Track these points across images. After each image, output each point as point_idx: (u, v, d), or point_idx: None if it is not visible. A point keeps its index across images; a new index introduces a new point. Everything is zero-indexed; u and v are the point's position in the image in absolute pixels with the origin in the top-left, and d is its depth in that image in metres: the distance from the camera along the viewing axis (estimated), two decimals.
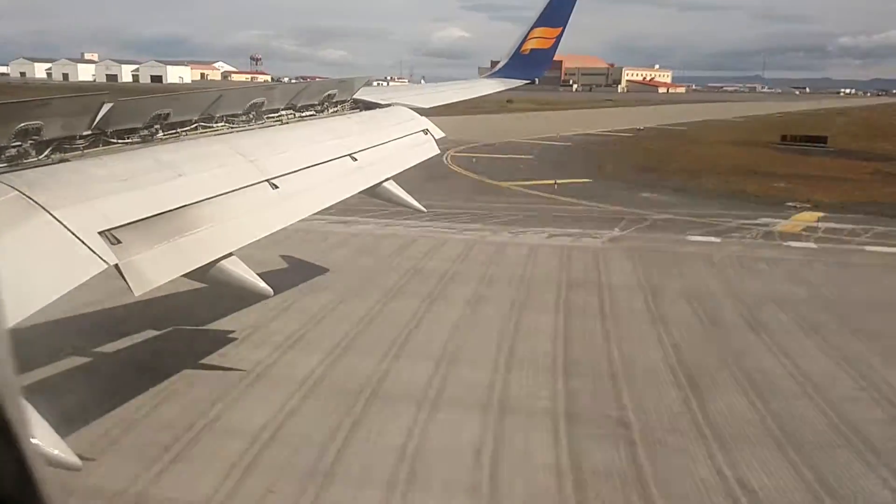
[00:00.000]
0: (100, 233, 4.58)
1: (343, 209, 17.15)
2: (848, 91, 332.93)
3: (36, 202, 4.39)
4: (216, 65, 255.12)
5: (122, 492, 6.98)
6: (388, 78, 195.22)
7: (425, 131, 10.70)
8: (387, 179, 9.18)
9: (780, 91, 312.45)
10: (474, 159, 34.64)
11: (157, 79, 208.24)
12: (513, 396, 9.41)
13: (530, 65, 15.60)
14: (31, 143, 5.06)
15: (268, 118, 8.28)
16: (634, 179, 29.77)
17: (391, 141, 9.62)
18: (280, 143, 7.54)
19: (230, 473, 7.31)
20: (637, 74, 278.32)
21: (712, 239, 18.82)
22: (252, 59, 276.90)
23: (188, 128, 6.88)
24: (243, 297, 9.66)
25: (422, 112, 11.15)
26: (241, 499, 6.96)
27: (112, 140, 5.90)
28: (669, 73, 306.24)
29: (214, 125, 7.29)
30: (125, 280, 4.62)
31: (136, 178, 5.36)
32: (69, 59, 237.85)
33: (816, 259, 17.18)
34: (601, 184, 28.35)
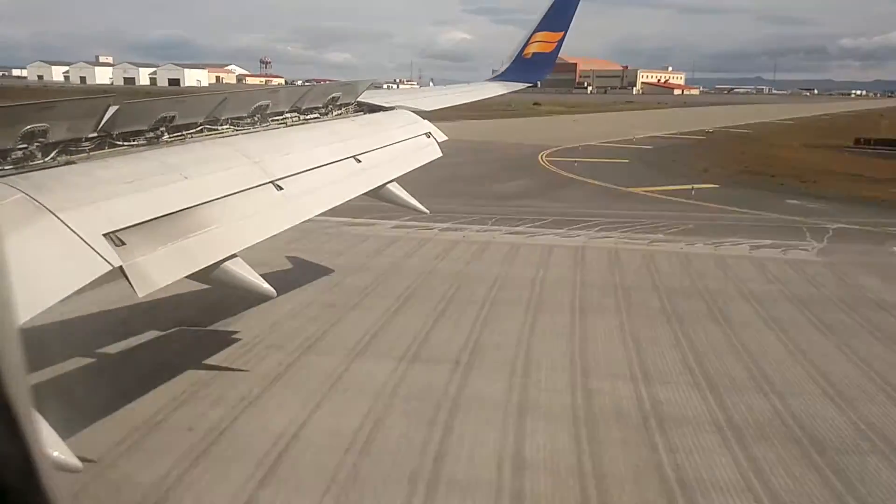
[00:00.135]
0: (104, 235, 4.60)
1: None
2: (858, 93, 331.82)
3: (41, 204, 4.41)
4: (229, 67, 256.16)
5: None
6: (398, 81, 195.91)
7: (428, 134, 10.74)
8: (390, 181, 9.21)
9: (789, 93, 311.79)
10: (576, 164, 33.42)
11: (174, 82, 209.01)
12: None
13: (533, 68, 15.65)
14: (37, 146, 5.09)
15: (272, 121, 8.32)
16: (759, 185, 28.52)
17: (394, 143, 9.66)
18: (284, 145, 7.57)
19: None
20: (652, 77, 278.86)
21: None
22: (262, 62, 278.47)
23: (193, 130, 6.91)
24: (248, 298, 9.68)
25: (424, 115, 11.18)
26: None
27: (118, 142, 5.93)
28: (682, 75, 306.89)
29: (219, 128, 7.32)
30: (129, 282, 4.64)
31: (141, 180, 5.39)
32: (86, 63, 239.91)
33: None
34: (733, 190, 26.94)
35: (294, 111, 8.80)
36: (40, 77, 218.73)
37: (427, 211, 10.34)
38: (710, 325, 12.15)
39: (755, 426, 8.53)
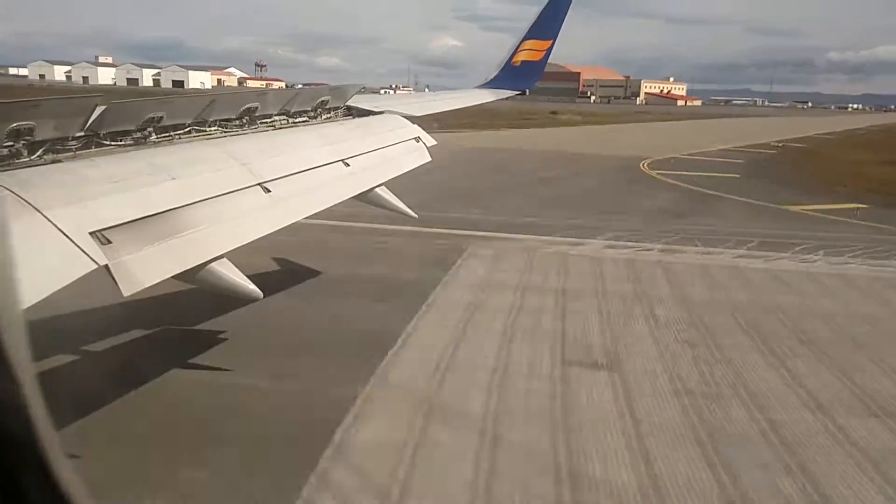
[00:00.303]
0: (91, 233, 4.59)
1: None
2: (855, 106, 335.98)
3: (27, 202, 4.40)
4: (229, 70, 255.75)
5: None
6: (395, 86, 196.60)
7: (417, 139, 10.79)
8: (379, 185, 9.24)
9: (787, 105, 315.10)
10: (695, 177, 32.16)
11: (178, 84, 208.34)
12: None
13: (521, 76, 15.78)
14: (23, 144, 5.08)
15: (261, 123, 8.33)
16: None
17: (384, 147, 9.69)
18: (273, 147, 7.58)
19: None
20: (654, 87, 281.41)
21: None
22: (257, 65, 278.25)
23: (181, 131, 6.91)
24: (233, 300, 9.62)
25: (413, 120, 11.24)
26: None
27: (105, 142, 5.92)
28: (684, 86, 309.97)
29: (208, 129, 7.32)
30: (114, 280, 4.63)
31: (129, 179, 5.38)
32: (89, 63, 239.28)
33: None
34: (889, 211, 24.59)
35: (283, 114, 8.81)
36: (42, 76, 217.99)
37: (415, 216, 10.35)
38: None
39: None
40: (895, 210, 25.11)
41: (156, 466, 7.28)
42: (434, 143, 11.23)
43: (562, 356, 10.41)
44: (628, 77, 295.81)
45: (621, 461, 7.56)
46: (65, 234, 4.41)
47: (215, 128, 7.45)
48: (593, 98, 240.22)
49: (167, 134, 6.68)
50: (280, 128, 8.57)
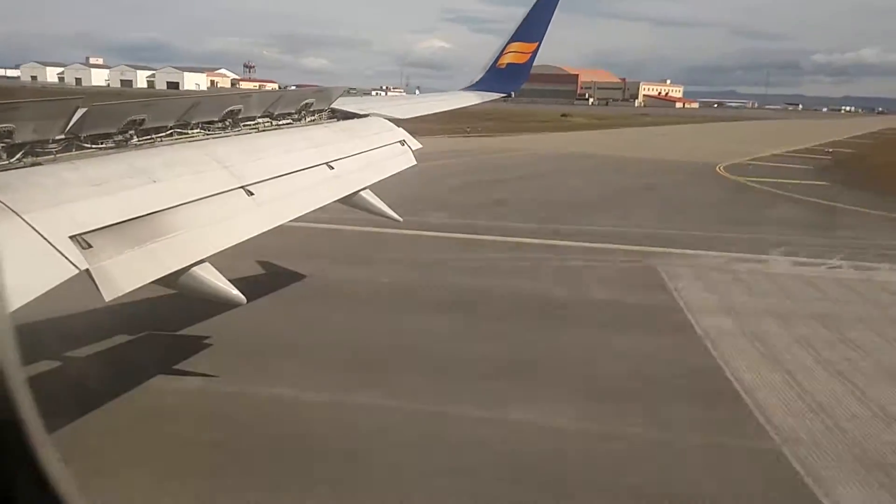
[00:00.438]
0: (71, 237, 4.55)
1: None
2: (848, 109, 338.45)
3: (6, 205, 4.35)
4: (220, 71, 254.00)
5: None
6: (385, 88, 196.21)
7: (402, 142, 10.79)
8: (364, 188, 9.23)
9: (779, 107, 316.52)
10: (787, 185, 31.55)
11: (173, 85, 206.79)
12: None
13: (507, 79, 15.81)
14: (2, 147, 5.02)
15: (244, 126, 8.29)
16: None
17: (368, 151, 9.68)
18: (256, 150, 7.55)
19: None
20: (653, 89, 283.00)
21: None
22: (246, 66, 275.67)
23: (163, 134, 6.86)
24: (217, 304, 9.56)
25: (398, 123, 11.23)
26: None
27: (86, 145, 5.87)
28: (681, 89, 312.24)
29: (190, 132, 7.28)
30: (95, 285, 4.59)
31: (110, 183, 5.34)
32: (82, 64, 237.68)
33: None
34: None
35: (266, 116, 8.78)
36: (34, 78, 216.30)
37: (400, 219, 10.35)
38: None
39: None
40: None
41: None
42: (420, 146, 11.22)
43: None
44: (625, 79, 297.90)
45: None
46: (45, 238, 4.36)
47: (198, 130, 7.41)
48: (591, 100, 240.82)
49: (149, 136, 6.63)
50: (263, 130, 8.54)
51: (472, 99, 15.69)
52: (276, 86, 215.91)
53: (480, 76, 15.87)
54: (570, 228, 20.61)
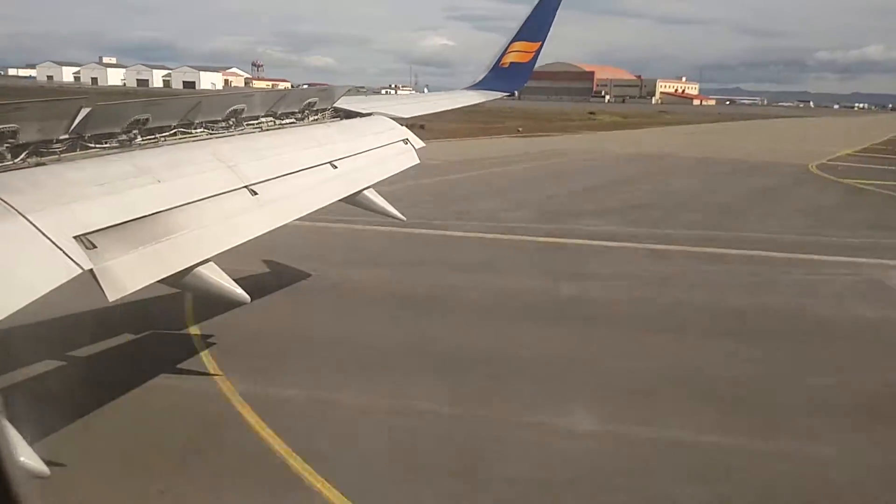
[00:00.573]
0: (75, 237, 4.55)
1: None
2: (861, 106, 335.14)
3: (10, 205, 4.35)
4: (232, 70, 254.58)
5: None
6: (395, 86, 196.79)
7: (405, 141, 10.77)
8: (367, 188, 9.22)
9: (791, 104, 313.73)
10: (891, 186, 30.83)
11: (189, 84, 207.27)
12: None
13: (510, 78, 15.79)
14: (6, 147, 5.02)
15: (248, 125, 8.28)
16: None
17: (371, 150, 9.67)
18: (260, 149, 7.54)
19: None
20: (669, 86, 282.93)
21: None
22: (254, 65, 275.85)
23: (167, 133, 6.86)
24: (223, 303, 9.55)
25: (401, 122, 11.22)
26: None
27: (90, 145, 5.86)
28: (696, 86, 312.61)
29: (194, 131, 7.27)
30: (99, 285, 4.59)
31: (114, 182, 5.33)
32: (98, 64, 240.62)
33: None
34: None
35: (270, 116, 8.77)
36: (50, 77, 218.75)
37: (403, 218, 10.34)
38: None
39: None
40: None
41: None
42: (422, 144, 11.21)
43: None
44: (640, 76, 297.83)
45: None
46: (49, 238, 4.36)
47: (201, 130, 7.40)
48: (607, 98, 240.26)
49: (153, 136, 6.63)
50: (267, 130, 8.53)
51: (476, 98, 15.68)
52: (288, 85, 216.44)
53: (484, 75, 15.85)
54: (747, 236, 19.61)
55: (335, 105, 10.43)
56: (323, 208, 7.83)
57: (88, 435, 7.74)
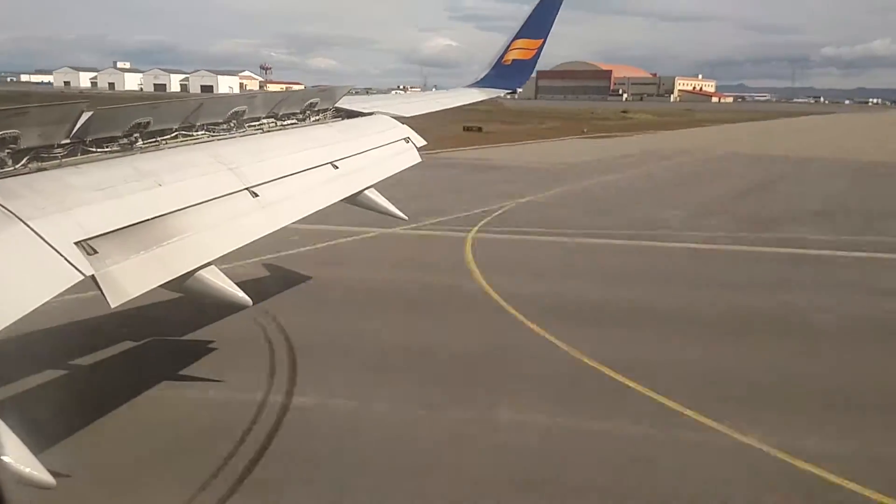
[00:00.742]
0: (76, 243, 4.55)
1: None
2: (875, 101, 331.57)
3: (10, 212, 4.35)
4: (245, 73, 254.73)
5: None
6: (404, 87, 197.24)
7: (406, 139, 10.75)
8: (369, 187, 9.21)
9: (803, 100, 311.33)
10: None
11: (207, 88, 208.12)
12: None
13: (512, 75, 15.75)
14: (7, 153, 5.02)
15: (249, 126, 8.27)
16: None
17: (373, 149, 9.66)
18: (261, 151, 7.53)
19: None
20: (688, 84, 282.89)
21: None
22: (262, 67, 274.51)
23: (168, 136, 6.86)
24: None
25: (402, 121, 11.20)
26: None
27: (91, 149, 5.86)
28: (713, 83, 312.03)
29: (195, 133, 7.27)
30: (101, 291, 4.59)
31: (115, 187, 5.33)
32: (115, 69, 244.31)
33: None
34: None
35: (271, 117, 8.76)
36: (67, 83, 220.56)
37: (405, 217, 10.32)
38: None
39: None
40: None
41: None
42: (424, 143, 11.19)
43: None
44: (655, 74, 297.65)
45: None
46: (50, 244, 4.36)
47: (202, 132, 7.40)
48: (625, 96, 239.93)
49: (154, 139, 6.63)
50: (268, 131, 8.52)
51: (478, 95, 15.65)
52: (301, 87, 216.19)
53: (486, 73, 15.82)
54: None
55: (336, 105, 10.42)
56: (324, 209, 7.83)
57: None
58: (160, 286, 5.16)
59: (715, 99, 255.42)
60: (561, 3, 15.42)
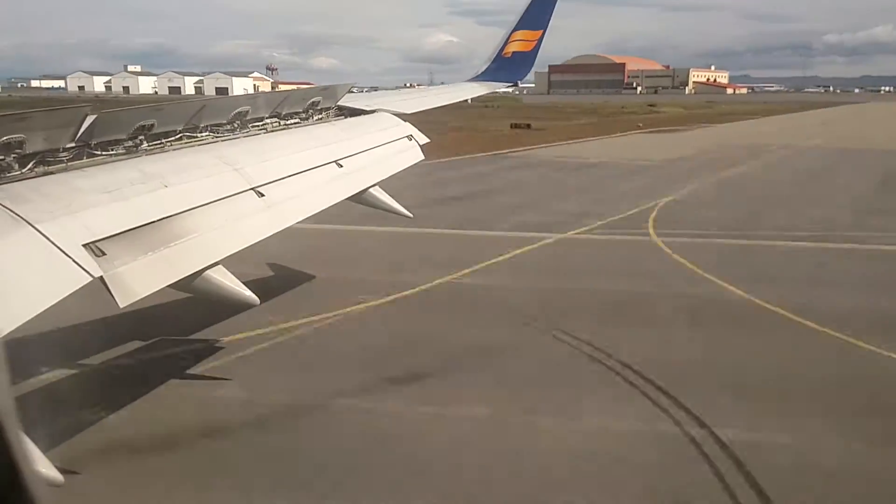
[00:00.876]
0: (84, 245, 4.58)
1: None
2: (887, 89, 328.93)
3: (19, 216, 4.39)
4: (255, 74, 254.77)
5: None
6: (410, 84, 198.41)
7: (409, 137, 10.75)
8: (373, 185, 9.22)
9: (815, 90, 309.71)
10: None
11: (222, 91, 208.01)
12: None
13: (513, 67, 15.70)
14: (13, 157, 5.05)
15: (252, 127, 8.29)
16: None
17: (376, 147, 9.66)
18: (265, 151, 7.55)
19: None
20: (701, 76, 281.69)
21: None
22: (268, 68, 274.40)
23: (173, 138, 6.88)
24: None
25: (405, 117, 11.19)
26: None
27: (96, 152, 5.89)
28: (726, 74, 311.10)
29: (199, 135, 7.29)
30: (110, 292, 4.62)
31: (121, 189, 5.36)
32: (129, 72, 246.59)
33: None
34: None
35: (274, 117, 8.78)
36: (81, 88, 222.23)
37: (410, 215, 10.33)
38: None
39: None
40: None
41: None
42: (427, 140, 11.19)
43: None
44: (668, 66, 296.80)
45: None
46: (58, 247, 4.39)
47: (206, 133, 7.42)
48: (639, 89, 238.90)
49: (158, 141, 6.65)
50: (272, 131, 8.54)
51: (479, 90, 15.62)
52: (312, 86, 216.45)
53: (486, 66, 15.77)
54: None
55: (338, 103, 10.42)
56: (329, 208, 7.84)
57: None
58: (168, 286, 5.19)
59: (730, 90, 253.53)
60: None
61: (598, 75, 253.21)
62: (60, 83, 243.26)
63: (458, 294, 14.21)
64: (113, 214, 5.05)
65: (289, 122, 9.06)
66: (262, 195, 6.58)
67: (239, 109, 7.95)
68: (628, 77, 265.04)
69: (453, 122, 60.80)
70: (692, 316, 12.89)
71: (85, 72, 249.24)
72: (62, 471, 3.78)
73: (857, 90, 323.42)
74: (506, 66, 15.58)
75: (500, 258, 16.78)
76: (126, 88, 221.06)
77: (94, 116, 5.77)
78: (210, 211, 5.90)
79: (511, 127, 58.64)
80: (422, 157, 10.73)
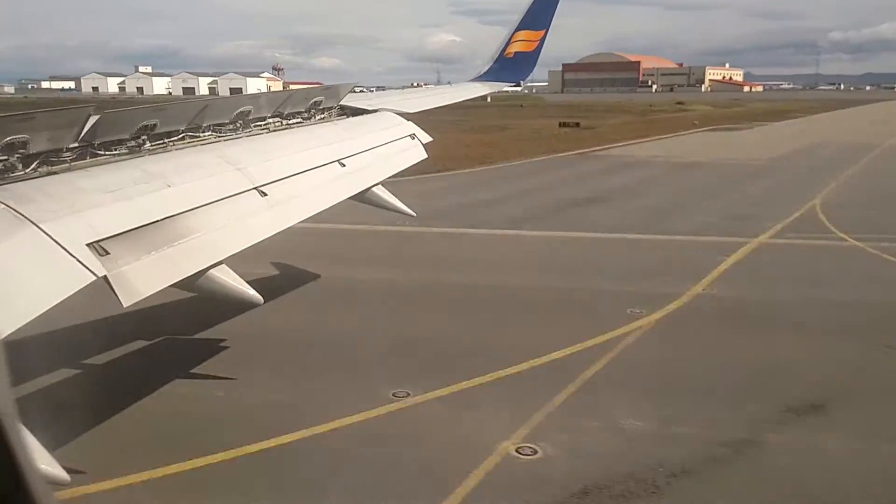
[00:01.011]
0: (88, 245, 4.60)
1: None
2: None
3: (23, 215, 4.40)
4: (265, 75, 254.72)
5: None
6: (418, 84, 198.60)
7: (412, 136, 10.76)
8: (376, 184, 9.23)
9: (827, 88, 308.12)
10: None
11: (236, 91, 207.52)
12: None
13: (515, 67, 15.70)
14: (17, 157, 5.07)
15: (255, 126, 8.31)
16: None
17: (379, 146, 9.67)
18: (268, 150, 7.57)
19: None
20: (717, 74, 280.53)
21: None
22: (275, 69, 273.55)
23: (175, 138, 6.90)
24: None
25: (407, 117, 11.20)
26: None
27: (99, 152, 5.91)
28: (741, 72, 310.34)
29: (202, 135, 7.31)
30: (113, 291, 4.63)
31: (124, 189, 5.38)
32: (141, 73, 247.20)
33: None
34: None
35: (276, 116, 8.79)
36: (95, 89, 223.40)
37: (413, 214, 10.33)
38: None
39: None
40: None
41: None
42: (430, 139, 11.19)
43: None
44: (681, 64, 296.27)
45: None
46: (62, 246, 4.41)
47: (209, 133, 7.44)
48: (654, 87, 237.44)
49: (161, 141, 6.67)
50: (274, 130, 8.56)
51: (481, 90, 15.63)
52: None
53: (488, 66, 15.77)
54: None
55: (341, 103, 10.44)
56: (332, 207, 7.85)
57: None
58: (172, 285, 5.20)
59: (746, 88, 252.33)
60: None
61: (612, 73, 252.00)
62: (70, 84, 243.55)
63: (739, 311, 12.34)
64: (116, 214, 5.06)
65: (291, 121, 9.08)
66: (265, 195, 6.59)
67: (241, 109, 7.96)
68: (643, 75, 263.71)
69: (489, 121, 58.45)
70: None
71: (99, 73, 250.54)
72: (68, 470, 3.79)
73: (868, 87, 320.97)
74: (508, 66, 15.59)
75: (724, 266, 15.14)
76: (140, 89, 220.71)
77: (97, 116, 5.79)
78: (213, 210, 5.92)
79: (559, 126, 55.40)
80: (424, 155, 10.74)
